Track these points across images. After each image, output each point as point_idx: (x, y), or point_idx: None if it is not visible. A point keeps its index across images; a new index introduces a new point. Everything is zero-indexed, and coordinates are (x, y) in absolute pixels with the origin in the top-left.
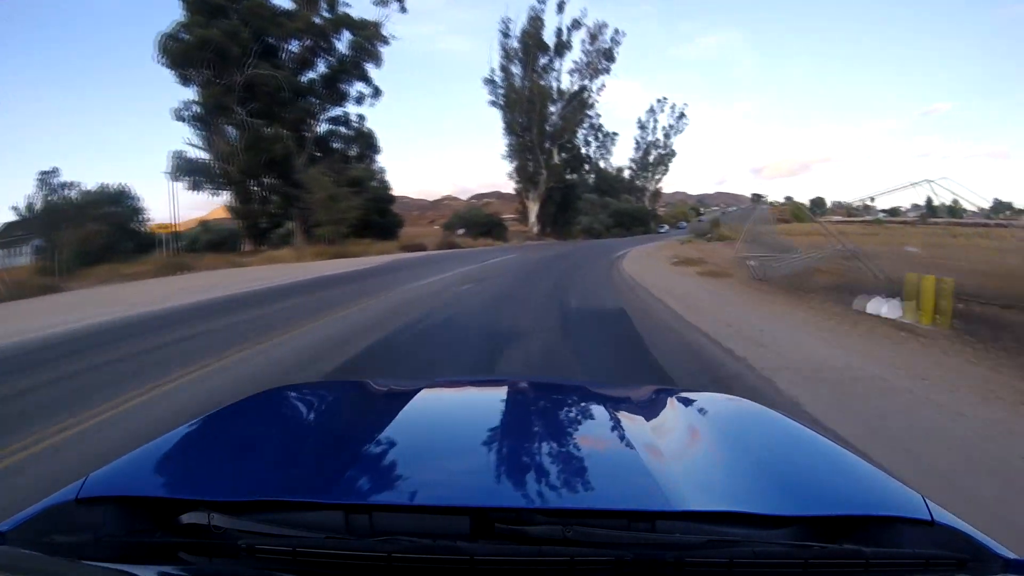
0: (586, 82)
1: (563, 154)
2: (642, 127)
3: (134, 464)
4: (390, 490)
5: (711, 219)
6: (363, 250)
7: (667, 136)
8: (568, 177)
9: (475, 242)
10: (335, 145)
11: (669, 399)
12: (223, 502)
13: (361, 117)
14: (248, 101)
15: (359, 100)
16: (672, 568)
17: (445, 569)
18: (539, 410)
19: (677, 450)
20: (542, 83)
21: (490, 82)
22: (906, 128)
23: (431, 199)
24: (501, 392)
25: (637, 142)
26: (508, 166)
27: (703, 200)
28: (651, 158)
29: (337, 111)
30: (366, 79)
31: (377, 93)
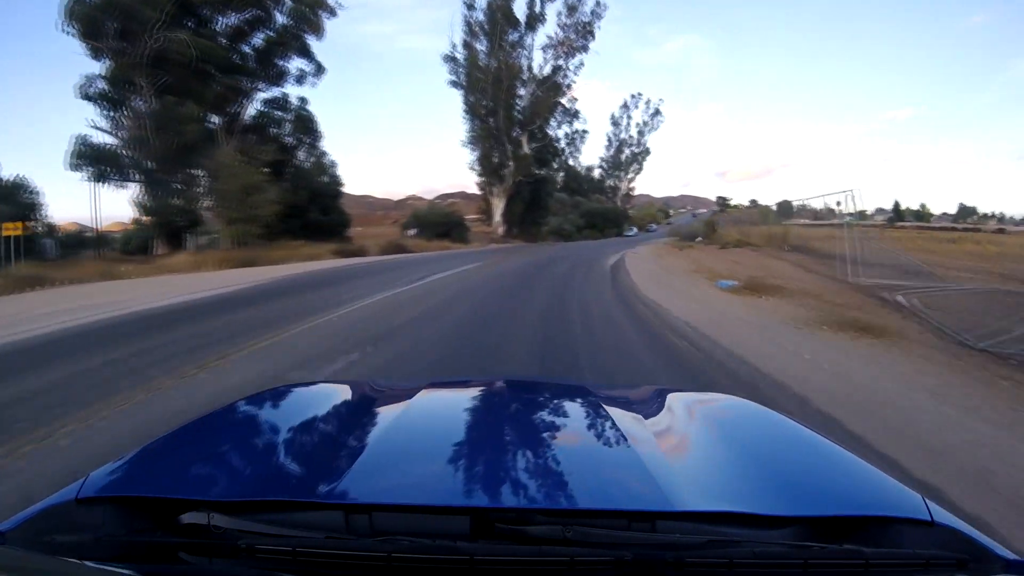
0: (561, 62)
1: (533, 143)
2: (615, 124)
3: (134, 464)
4: (390, 490)
5: (707, 219)
6: (287, 255)
7: (641, 134)
8: (538, 172)
9: (428, 245)
10: (273, 131)
11: (669, 399)
12: (223, 502)
13: (303, 100)
14: (161, 75)
15: (300, 79)
16: (672, 568)
17: (445, 569)
18: (539, 410)
19: (677, 450)
20: (511, 62)
21: (450, 59)
22: (867, 133)
23: (396, 199)
24: (501, 392)
25: (609, 139)
26: (469, 155)
27: (668, 202)
28: (624, 156)
29: (275, 92)
30: (307, 54)
31: (320, 70)
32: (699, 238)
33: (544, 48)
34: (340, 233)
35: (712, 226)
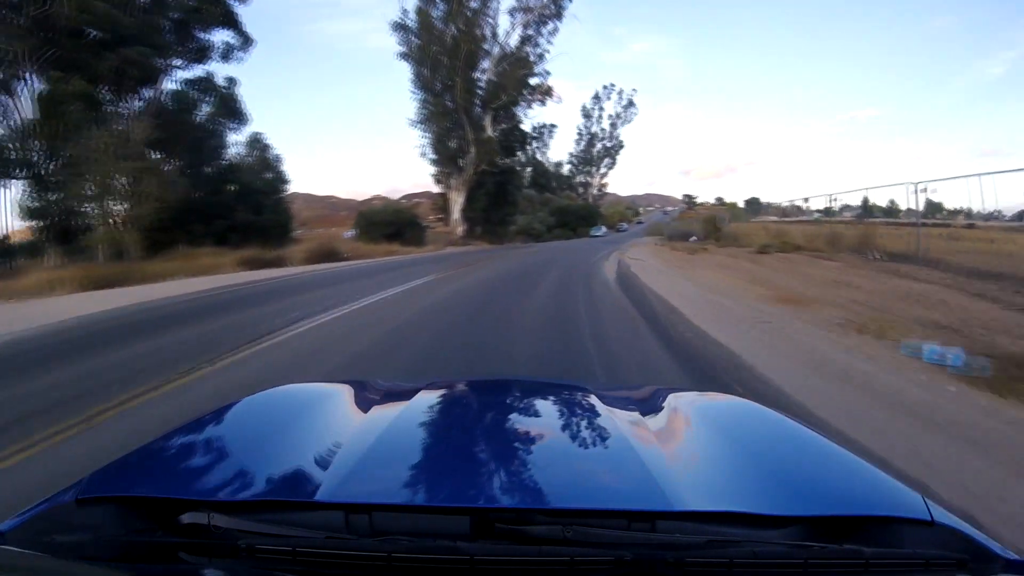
0: (531, 31)
1: (500, 126)
2: (586, 116)
3: (134, 464)
4: (390, 490)
5: (709, 216)
6: (175, 268)
7: (614, 126)
8: (504, 160)
9: (373, 249)
10: (194, 116)
11: (669, 399)
12: (223, 502)
13: (231, 80)
14: (49, 48)
15: (226, 55)
16: (672, 568)
17: (445, 569)
18: (539, 410)
19: (677, 450)
20: (471, 29)
21: (400, 27)
22: (831, 131)
23: (360, 199)
24: (501, 392)
25: (580, 133)
26: (421, 139)
27: (634, 201)
28: (596, 151)
29: (199, 72)
30: (232, 23)
31: (247, 43)
32: (694, 237)
33: (512, 12)
34: (282, 236)
35: (714, 223)
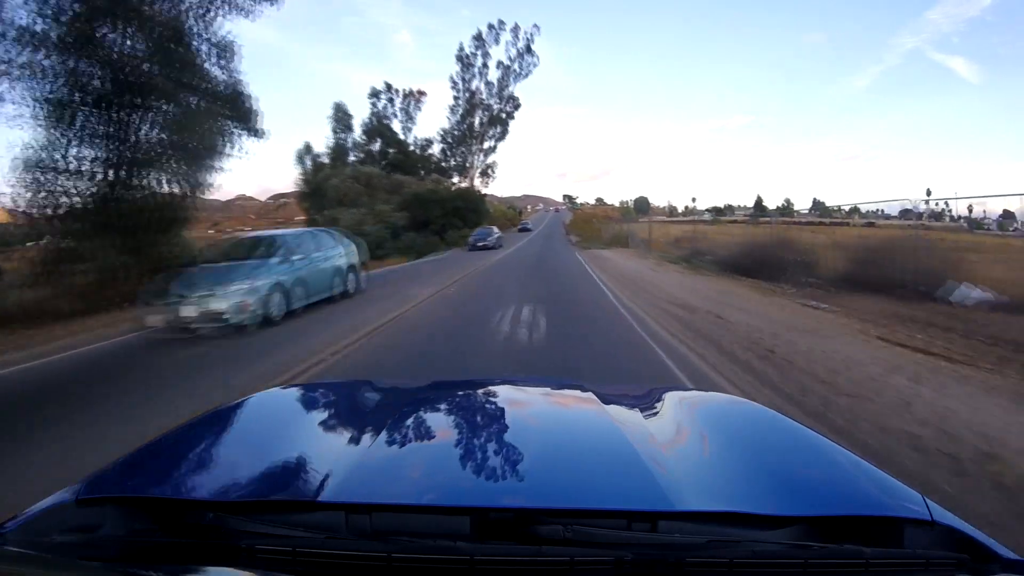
0: None
1: None
2: (465, 66)
3: (134, 465)
4: (390, 490)
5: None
6: None
7: (504, 83)
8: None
9: None
10: None
11: (670, 399)
12: (223, 502)
13: None
14: None
15: None
16: (672, 568)
17: (445, 569)
18: (539, 410)
19: (677, 450)
20: None
21: None
22: (707, 136)
23: (225, 199)
24: (501, 392)
25: (456, 87)
26: None
27: (511, 202)
28: (479, 119)
29: None
30: None
31: None
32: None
33: None
34: None
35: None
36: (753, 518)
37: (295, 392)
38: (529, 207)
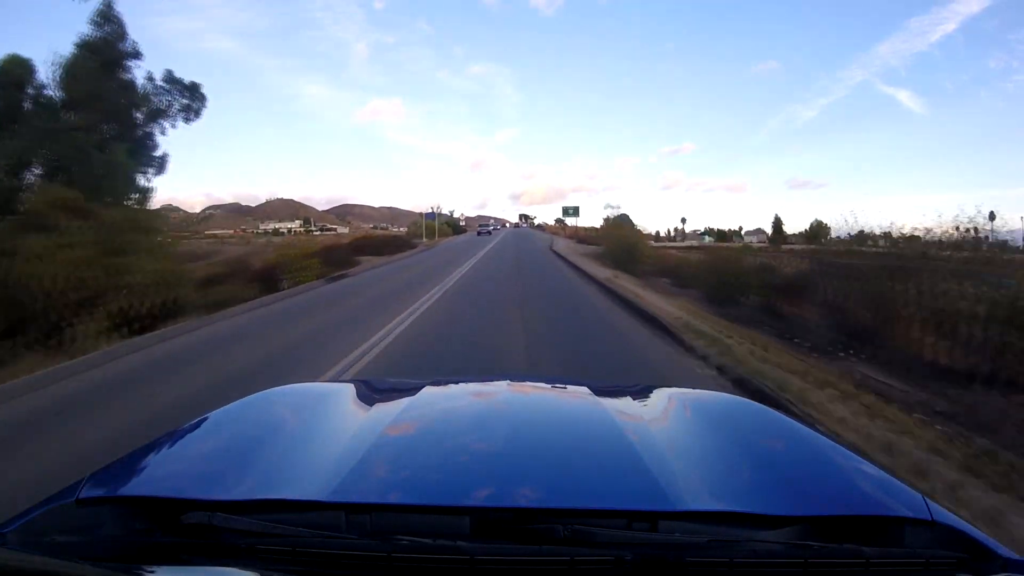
0: None
1: None
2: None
3: (134, 464)
4: (390, 490)
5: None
6: None
7: None
8: None
9: None
10: None
11: (670, 398)
12: (223, 502)
13: None
14: None
15: None
16: (672, 568)
17: (445, 569)
18: (539, 409)
19: (678, 449)
20: None
21: None
22: (655, 163)
23: None
24: (501, 391)
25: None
26: None
27: (466, 223)
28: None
29: None
30: None
31: None
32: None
33: None
34: None
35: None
36: (753, 518)
37: (296, 391)
38: (491, 220)
